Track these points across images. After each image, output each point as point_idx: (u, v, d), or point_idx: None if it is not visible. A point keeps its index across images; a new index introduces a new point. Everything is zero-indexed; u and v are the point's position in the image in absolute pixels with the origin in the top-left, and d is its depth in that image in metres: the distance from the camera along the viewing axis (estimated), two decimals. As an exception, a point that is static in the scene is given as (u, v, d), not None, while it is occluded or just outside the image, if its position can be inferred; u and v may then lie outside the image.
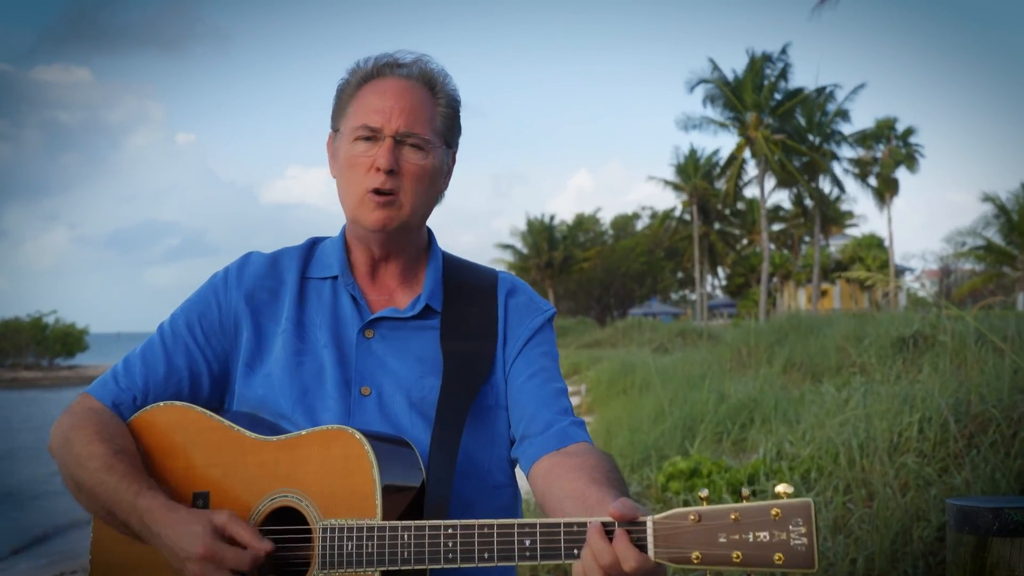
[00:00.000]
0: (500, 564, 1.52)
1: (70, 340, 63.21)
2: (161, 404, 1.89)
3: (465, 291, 1.98)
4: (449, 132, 1.94)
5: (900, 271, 56.52)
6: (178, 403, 1.88)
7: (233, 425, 1.80)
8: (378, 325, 1.91)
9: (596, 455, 1.78)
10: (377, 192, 1.84)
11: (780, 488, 1.37)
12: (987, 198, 45.27)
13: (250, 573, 1.63)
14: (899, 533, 4.88)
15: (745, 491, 1.42)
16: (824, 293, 59.11)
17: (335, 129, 1.95)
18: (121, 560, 1.81)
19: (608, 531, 1.43)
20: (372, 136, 1.86)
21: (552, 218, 72.48)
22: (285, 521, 1.71)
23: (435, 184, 1.93)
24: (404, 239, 1.94)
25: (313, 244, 2.05)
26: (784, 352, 14.26)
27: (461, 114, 1.99)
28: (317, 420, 1.83)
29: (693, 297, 73.67)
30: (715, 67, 50.29)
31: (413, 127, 1.86)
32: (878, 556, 4.68)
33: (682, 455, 7.74)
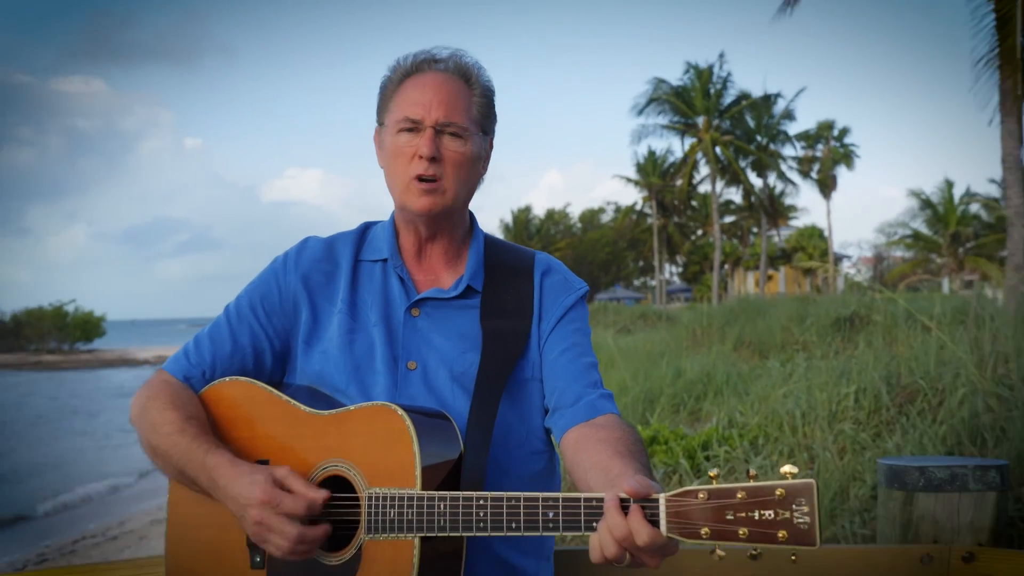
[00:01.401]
0: (527, 534, 1.50)
1: (89, 327, 62.76)
2: (227, 379, 1.88)
3: (504, 271, 1.95)
4: (485, 120, 1.91)
5: (838, 258, 56.93)
6: (242, 379, 1.87)
7: (291, 400, 1.80)
8: (423, 304, 1.89)
9: (621, 428, 1.76)
10: (421, 179, 1.82)
11: (785, 469, 1.32)
12: (913, 193, 45.75)
13: (305, 522, 1.62)
14: (837, 492, 4.93)
15: (752, 470, 1.36)
16: (770, 278, 59.37)
17: (380, 123, 1.92)
18: (193, 518, 1.82)
19: (624, 506, 1.40)
20: (414, 127, 1.83)
21: (528, 210, 72.49)
22: (336, 488, 1.70)
23: (475, 169, 1.90)
24: (448, 221, 1.91)
25: (366, 228, 2.03)
26: (735, 332, 14.35)
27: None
28: (368, 393, 1.82)
29: (653, 283, 73.76)
30: (659, 83, 48.76)
31: (451, 117, 1.83)
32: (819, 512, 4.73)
33: (643, 425, 7.77)
